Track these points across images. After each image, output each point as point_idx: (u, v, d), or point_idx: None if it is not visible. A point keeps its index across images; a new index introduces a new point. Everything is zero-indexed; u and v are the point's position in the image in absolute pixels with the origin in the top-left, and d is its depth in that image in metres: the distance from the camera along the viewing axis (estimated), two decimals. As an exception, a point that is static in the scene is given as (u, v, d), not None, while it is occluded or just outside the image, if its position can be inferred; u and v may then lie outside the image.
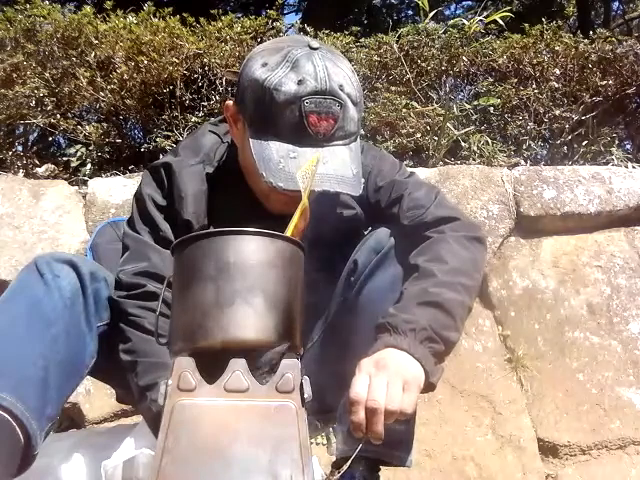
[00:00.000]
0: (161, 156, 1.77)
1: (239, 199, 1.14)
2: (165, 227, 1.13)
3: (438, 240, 1.10)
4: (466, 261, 1.08)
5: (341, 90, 1.02)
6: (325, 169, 1.00)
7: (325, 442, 1.10)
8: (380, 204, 1.18)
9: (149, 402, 0.99)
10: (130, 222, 1.17)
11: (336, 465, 1.07)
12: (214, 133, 1.21)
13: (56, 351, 0.99)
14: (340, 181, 1.00)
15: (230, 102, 1.11)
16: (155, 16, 2.85)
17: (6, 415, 0.91)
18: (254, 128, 1.04)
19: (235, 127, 1.11)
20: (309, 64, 1.01)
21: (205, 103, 2.79)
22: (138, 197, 1.17)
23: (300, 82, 1.00)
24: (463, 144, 2.78)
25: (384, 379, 0.89)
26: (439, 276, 1.02)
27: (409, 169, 1.27)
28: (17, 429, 0.92)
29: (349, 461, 0.94)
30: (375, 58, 2.96)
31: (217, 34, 2.86)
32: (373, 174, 1.18)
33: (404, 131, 2.75)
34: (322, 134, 1.01)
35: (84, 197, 2.29)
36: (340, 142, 1.03)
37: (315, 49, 1.03)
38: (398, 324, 0.96)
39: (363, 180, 1.05)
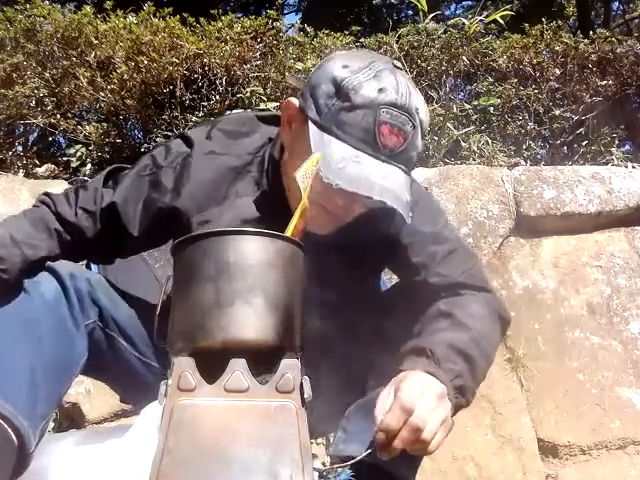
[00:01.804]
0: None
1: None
2: (111, 203, 1.09)
3: (470, 300, 1.04)
4: (492, 335, 1.04)
5: (417, 113, 0.97)
6: (385, 183, 0.94)
7: (325, 442, 1.09)
8: (412, 248, 1.09)
9: None
10: (122, 172, 1.15)
11: (334, 464, 1.06)
12: (268, 137, 1.13)
13: (41, 353, 0.98)
14: (397, 199, 0.95)
15: (292, 99, 1.04)
16: (155, 16, 2.86)
17: None
18: (319, 125, 0.97)
19: (288, 127, 1.04)
20: (392, 77, 0.97)
21: (205, 103, 2.80)
22: (144, 157, 1.15)
23: (381, 90, 0.95)
24: (463, 144, 2.78)
25: (434, 403, 0.85)
26: (475, 334, 0.99)
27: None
28: (8, 429, 0.92)
29: (349, 463, 0.92)
30: (375, 58, 2.96)
31: (217, 34, 2.87)
32: (415, 216, 1.05)
33: (404, 131, 2.75)
34: (389, 149, 0.95)
35: (84, 197, 2.29)
36: (401, 166, 0.98)
37: (398, 68, 1.00)
38: (440, 359, 0.92)
39: (411, 213, 0.98)
